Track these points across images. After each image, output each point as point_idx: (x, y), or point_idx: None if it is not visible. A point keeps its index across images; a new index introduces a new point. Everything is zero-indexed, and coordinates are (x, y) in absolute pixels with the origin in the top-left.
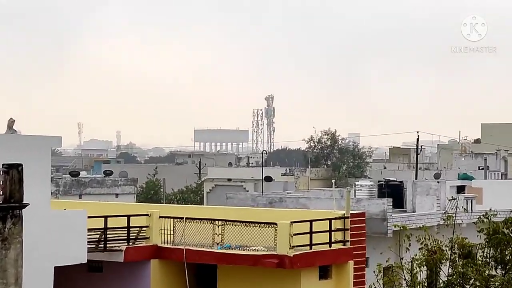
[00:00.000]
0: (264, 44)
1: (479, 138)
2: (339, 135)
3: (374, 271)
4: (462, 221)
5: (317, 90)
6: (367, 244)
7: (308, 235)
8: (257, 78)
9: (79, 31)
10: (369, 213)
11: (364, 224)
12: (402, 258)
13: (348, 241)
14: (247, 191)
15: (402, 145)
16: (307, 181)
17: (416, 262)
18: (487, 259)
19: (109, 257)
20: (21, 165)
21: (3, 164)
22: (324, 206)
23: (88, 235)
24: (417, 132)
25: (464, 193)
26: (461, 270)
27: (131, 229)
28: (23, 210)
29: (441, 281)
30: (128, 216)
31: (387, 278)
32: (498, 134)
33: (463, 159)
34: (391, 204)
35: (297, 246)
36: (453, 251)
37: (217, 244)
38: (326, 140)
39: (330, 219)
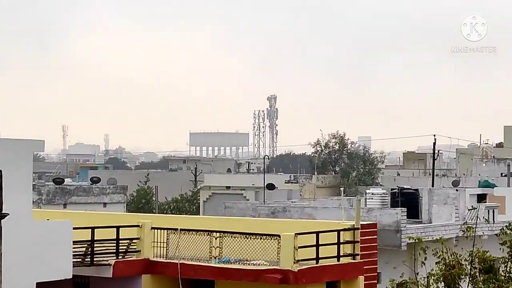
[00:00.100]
0: (266, 40)
1: (501, 142)
2: (348, 139)
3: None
4: (483, 232)
5: (324, 90)
6: (379, 258)
7: (315, 248)
8: (258, 77)
9: (65, 25)
10: (381, 224)
11: (375, 236)
12: (417, 273)
13: (358, 254)
14: (248, 200)
15: (417, 149)
16: (313, 189)
17: (432, 277)
18: (510, 274)
19: (96, 272)
20: (0, 171)
21: None
22: (332, 216)
23: (74, 248)
24: (434, 135)
25: (485, 202)
26: (482, 286)
27: (120, 241)
28: (2, 220)
29: None
30: (117, 227)
31: None
32: None
33: (484, 164)
34: (405, 214)
35: (302, 260)
36: (473, 266)
37: (215, 258)
38: (334, 144)
39: (338, 231)
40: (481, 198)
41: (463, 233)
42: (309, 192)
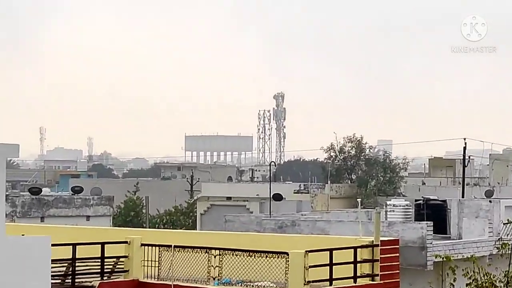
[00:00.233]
0: (272, 30)
1: None
2: (366, 143)
3: None
4: None
5: (338, 87)
6: (401, 279)
7: (328, 267)
8: (263, 72)
9: (44, 15)
10: (404, 240)
11: (397, 254)
12: None
13: (377, 275)
14: (251, 212)
15: (445, 155)
16: (326, 200)
17: None
18: None
19: None
20: None
21: None
22: (348, 232)
23: (52, 267)
24: (464, 138)
25: None
26: None
27: (106, 260)
28: None
29: None
30: (102, 244)
31: None
32: None
33: None
34: (432, 228)
35: (313, 281)
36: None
37: (214, 278)
38: (350, 148)
39: (355, 248)
40: None
41: (497, 250)
42: (322, 203)
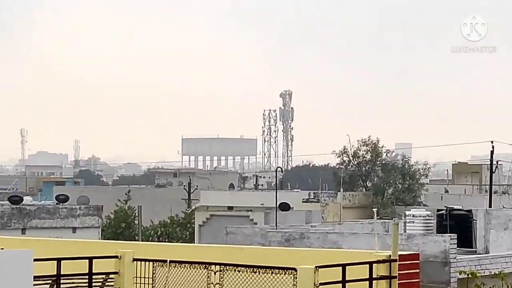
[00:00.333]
0: (279, 22)
1: None
2: (382, 146)
3: None
4: None
5: (352, 85)
6: None
7: (340, 284)
8: (269, 68)
9: (28, 12)
10: (425, 254)
11: (417, 270)
12: None
13: None
14: (255, 223)
15: (470, 160)
16: (338, 210)
17: None
18: None
19: None
20: None
21: None
22: (362, 245)
23: (35, 284)
24: (491, 142)
25: None
26: None
27: (94, 276)
28: None
29: None
30: (90, 259)
31: None
32: None
33: None
34: (456, 242)
35: None
36: None
37: None
38: (365, 152)
39: (370, 263)
40: None
41: None
42: (334, 214)
